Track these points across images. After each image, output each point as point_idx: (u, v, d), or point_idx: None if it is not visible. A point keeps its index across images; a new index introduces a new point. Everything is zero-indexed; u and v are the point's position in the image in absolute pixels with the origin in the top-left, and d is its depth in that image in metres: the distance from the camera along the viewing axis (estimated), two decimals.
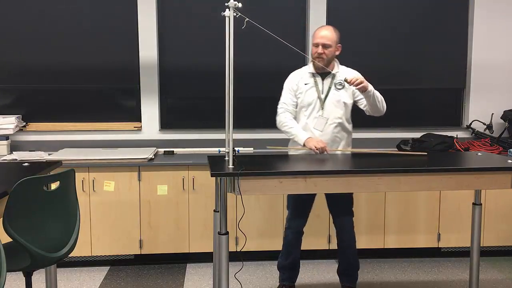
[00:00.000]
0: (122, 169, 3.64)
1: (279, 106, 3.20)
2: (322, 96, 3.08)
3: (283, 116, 3.15)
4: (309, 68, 3.16)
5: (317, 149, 2.90)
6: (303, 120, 3.12)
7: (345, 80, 2.86)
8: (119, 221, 3.68)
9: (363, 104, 3.09)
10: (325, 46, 3.01)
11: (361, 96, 3.04)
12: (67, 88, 4.18)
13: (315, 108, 3.09)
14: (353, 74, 3.02)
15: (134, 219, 3.70)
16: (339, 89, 3.05)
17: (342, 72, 3.11)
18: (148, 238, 3.72)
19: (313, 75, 3.12)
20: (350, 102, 3.12)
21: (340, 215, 3.16)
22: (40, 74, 4.12)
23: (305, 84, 3.13)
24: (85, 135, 4.14)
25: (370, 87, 2.92)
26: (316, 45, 3.03)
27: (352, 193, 3.15)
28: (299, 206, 3.18)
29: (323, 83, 3.10)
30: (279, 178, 2.48)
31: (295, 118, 3.15)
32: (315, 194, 3.18)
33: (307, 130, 3.09)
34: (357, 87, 2.85)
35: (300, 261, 3.27)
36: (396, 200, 3.84)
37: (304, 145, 2.97)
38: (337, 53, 3.10)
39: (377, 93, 2.99)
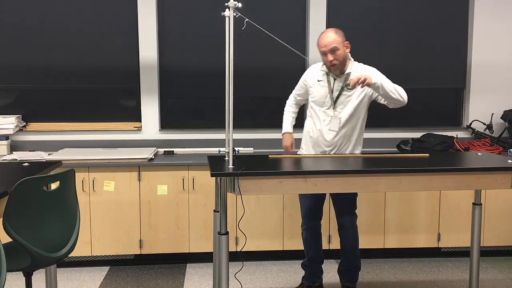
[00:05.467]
0: (122, 169, 3.64)
1: (291, 95, 3.35)
2: (334, 96, 3.03)
3: (286, 107, 3.36)
4: (323, 66, 3.08)
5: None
6: (314, 116, 3.11)
7: (347, 86, 2.84)
8: (119, 221, 3.69)
9: (382, 99, 3.00)
10: (332, 51, 2.92)
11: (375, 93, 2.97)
12: (67, 88, 4.18)
13: (327, 107, 3.05)
14: (363, 73, 2.92)
15: (134, 219, 3.70)
16: (350, 89, 2.99)
17: (356, 71, 3.02)
18: (148, 238, 3.72)
19: (327, 73, 3.06)
20: (361, 102, 3.02)
21: (342, 215, 3.17)
22: (40, 74, 4.12)
23: (318, 80, 3.08)
24: (85, 135, 4.14)
25: (375, 80, 2.79)
26: (324, 53, 2.95)
27: (356, 194, 3.15)
28: (308, 206, 3.20)
29: (335, 83, 3.03)
30: (279, 178, 2.48)
31: (300, 107, 3.35)
32: (324, 193, 3.19)
33: (315, 126, 3.09)
34: (361, 86, 2.77)
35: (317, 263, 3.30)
36: (396, 200, 3.84)
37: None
38: (348, 51, 3.00)
39: (386, 84, 2.85)
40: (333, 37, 2.93)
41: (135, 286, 3.47)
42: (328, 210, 3.79)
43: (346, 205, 3.15)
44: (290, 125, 3.30)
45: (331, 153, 3.07)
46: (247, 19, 2.57)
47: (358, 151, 3.13)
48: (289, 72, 3.36)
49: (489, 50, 4.35)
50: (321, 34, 3.00)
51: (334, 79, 3.04)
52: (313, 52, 4.19)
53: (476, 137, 4.34)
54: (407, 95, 2.97)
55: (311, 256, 3.25)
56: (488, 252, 3.98)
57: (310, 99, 3.15)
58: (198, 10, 4.18)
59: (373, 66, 2.94)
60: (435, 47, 4.38)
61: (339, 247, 3.87)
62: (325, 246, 3.80)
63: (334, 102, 3.02)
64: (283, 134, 3.28)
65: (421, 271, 3.75)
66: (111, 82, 4.20)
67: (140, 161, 3.66)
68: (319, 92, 3.08)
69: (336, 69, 2.98)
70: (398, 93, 2.91)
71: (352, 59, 3.08)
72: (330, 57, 2.93)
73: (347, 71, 3.02)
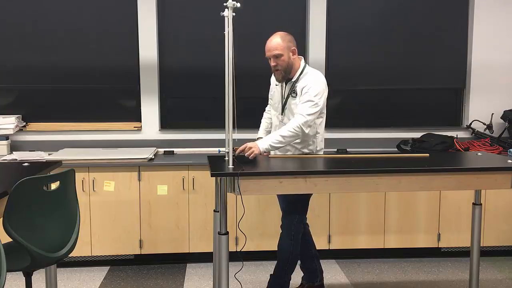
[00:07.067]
0: (122, 169, 3.64)
1: None
2: (283, 102, 3.05)
3: (264, 115, 3.35)
4: None
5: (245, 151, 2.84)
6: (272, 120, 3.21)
7: (234, 150, 2.79)
8: (119, 221, 3.68)
9: None
10: (276, 57, 2.89)
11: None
12: (67, 88, 4.18)
13: (279, 113, 3.09)
14: (308, 86, 2.88)
15: (134, 219, 3.70)
16: (294, 97, 2.98)
17: (302, 79, 2.97)
18: (148, 238, 3.72)
19: None
20: None
21: (282, 215, 3.08)
22: (40, 74, 4.12)
23: (276, 85, 3.12)
24: (85, 135, 4.14)
25: (264, 148, 2.81)
26: (268, 58, 2.95)
27: (307, 197, 3.01)
28: (281, 206, 3.15)
29: (285, 88, 3.04)
30: (279, 178, 2.48)
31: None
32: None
33: (273, 129, 3.15)
34: (249, 157, 2.79)
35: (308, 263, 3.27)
36: (396, 200, 3.84)
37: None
38: (294, 56, 2.94)
39: (278, 139, 2.83)
40: (276, 42, 2.90)
41: (135, 286, 3.47)
42: (329, 209, 3.79)
43: (288, 204, 3.03)
44: (263, 130, 3.31)
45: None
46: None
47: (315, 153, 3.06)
48: None
49: (489, 50, 4.35)
50: (270, 37, 2.95)
51: (285, 85, 3.04)
52: (313, 52, 4.19)
53: (476, 137, 4.34)
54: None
55: (301, 255, 3.23)
56: (488, 252, 3.98)
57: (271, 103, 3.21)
58: (198, 10, 4.17)
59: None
60: (435, 47, 4.38)
61: (339, 247, 3.89)
62: (325, 246, 3.81)
63: (282, 108, 3.05)
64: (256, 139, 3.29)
65: (421, 271, 3.74)
66: (111, 82, 4.19)
67: (140, 161, 3.66)
68: (275, 97, 3.13)
69: (279, 75, 2.97)
70: (294, 137, 2.85)
71: (304, 65, 3.01)
72: (272, 63, 2.93)
73: (295, 77, 2.98)
